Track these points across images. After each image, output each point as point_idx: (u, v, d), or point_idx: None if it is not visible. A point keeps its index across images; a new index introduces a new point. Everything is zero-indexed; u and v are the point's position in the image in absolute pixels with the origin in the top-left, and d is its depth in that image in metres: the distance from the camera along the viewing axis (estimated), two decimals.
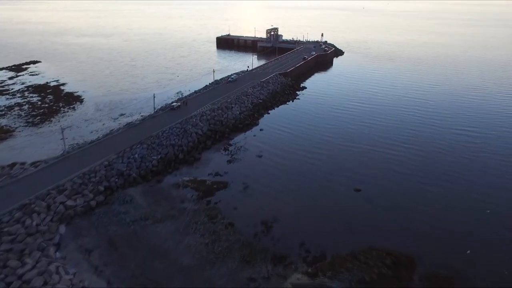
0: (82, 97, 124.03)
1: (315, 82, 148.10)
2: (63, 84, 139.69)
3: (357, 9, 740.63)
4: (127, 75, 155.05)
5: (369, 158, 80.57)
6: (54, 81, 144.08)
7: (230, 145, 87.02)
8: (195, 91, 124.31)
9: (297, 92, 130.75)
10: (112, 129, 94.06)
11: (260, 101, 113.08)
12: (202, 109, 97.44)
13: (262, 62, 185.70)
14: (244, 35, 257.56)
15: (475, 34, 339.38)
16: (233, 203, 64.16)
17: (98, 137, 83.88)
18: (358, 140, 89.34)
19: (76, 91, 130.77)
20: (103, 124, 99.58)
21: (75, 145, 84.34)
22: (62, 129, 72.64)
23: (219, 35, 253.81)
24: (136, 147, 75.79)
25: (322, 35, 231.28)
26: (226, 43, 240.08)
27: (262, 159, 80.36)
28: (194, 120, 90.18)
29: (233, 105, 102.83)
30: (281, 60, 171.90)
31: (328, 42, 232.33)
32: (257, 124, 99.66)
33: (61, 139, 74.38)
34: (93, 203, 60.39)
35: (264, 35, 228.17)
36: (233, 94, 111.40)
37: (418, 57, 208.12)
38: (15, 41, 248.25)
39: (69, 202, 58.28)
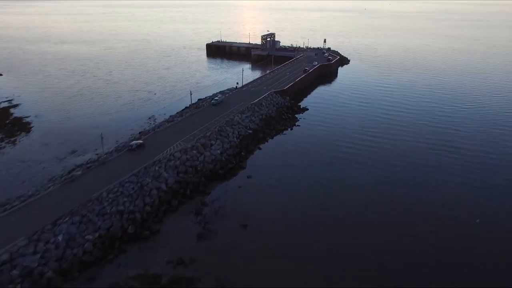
0: (31, 125, 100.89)
1: (318, 101, 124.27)
2: (15, 106, 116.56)
3: (359, 10, 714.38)
4: (98, 93, 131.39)
5: (395, 232, 56.80)
6: (7, 101, 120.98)
7: (205, 204, 63.34)
8: (170, 116, 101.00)
9: (297, 116, 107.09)
10: (53, 176, 71.22)
11: (250, 131, 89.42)
12: (170, 149, 73.67)
13: (256, 74, 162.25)
14: (238, 41, 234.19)
15: (492, 38, 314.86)
16: None
17: (16, 201, 59.91)
18: (376, 200, 65.65)
19: (27, 115, 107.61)
20: (43, 169, 76.16)
21: None
22: None
23: (210, 41, 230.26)
24: (64, 220, 51.97)
25: (324, 41, 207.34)
26: (217, 51, 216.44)
27: (248, 232, 56.74)
28: (156, 168, 66.42)
29: (213, 141, 79.01)
30: (278, 73, 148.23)
31: (331, 49, 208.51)
32: (244, 168, 75.95)
33: None
34: None
35: (259, 41, 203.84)
36: (215, 124, 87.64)
37: (437, 67, 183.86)
38: None
39: None
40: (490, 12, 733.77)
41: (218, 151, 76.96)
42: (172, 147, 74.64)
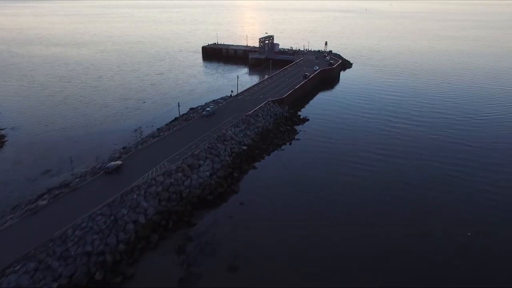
0: (6, 138, 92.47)
1: (319, 111, 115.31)
2: None
3: (359, 10, 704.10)
4: (83, 102, 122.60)
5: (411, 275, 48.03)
6: None
7: (190, 239, 54.77)
8: (157, 130, 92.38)
9: (296, 128, 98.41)
10: (19, 203, 62.89)
11: (244, 147, 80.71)
12: (152, 172, 64.94)
13: (253, 79, 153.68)
14: (235, 44, 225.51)
15: (497, 39, 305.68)
16: None
17: None
18: (386, 227, 56.95)
19: (3, 127, 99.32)
20: (9, 193, 67.66)
21: None
22: None
23: (206, 43, 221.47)
24: (14, 269, 43.25)
25: (325, 44, 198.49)
26: (214, 54, 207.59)
27: (238, 277, 48.00)
28: (134, 196, 57.66)
29: (201, 161, 70.35)
30: (277, 78, 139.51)
31: (332, 52, 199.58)
32: (237, 192, 67.30)
33: None
34: None
35: (257, 43, 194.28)
36: (204, 140, 78.90)
37: (445, 71, 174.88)
38: None
39: None
40: (491, 12, 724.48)
41: (207, 173, 68.26)
42: (154, 169, 65.91)
